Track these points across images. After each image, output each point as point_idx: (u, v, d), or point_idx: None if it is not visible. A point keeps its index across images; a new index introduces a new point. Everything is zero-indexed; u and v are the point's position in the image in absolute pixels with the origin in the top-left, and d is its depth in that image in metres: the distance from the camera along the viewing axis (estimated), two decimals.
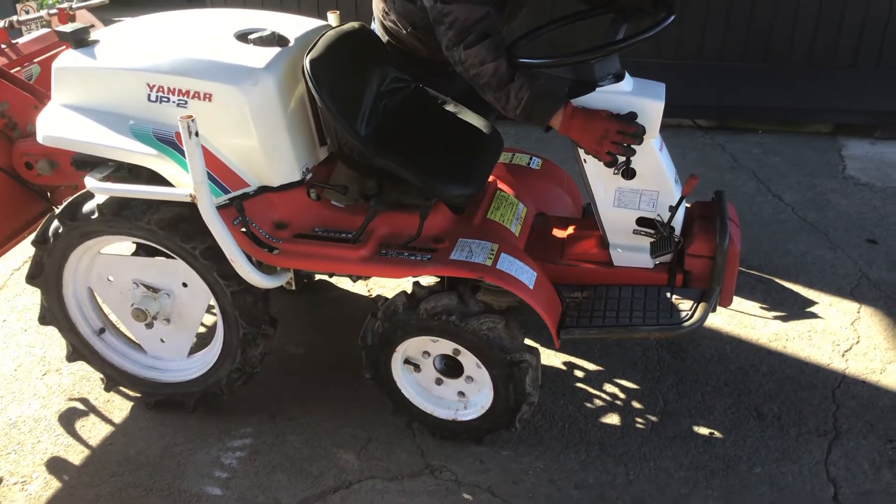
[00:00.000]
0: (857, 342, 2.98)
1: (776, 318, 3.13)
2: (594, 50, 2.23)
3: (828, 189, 4.09)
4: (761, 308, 3.19)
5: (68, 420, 2.77)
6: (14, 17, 3.25)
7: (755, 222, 3.78)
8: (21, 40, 3.25)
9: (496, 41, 2.23)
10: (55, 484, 2.52)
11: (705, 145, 4.66)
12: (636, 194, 2.42)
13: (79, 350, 2.75)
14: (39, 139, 2.40)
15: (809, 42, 4.62)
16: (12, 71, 3.00)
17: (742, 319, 3.12)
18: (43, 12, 3.43)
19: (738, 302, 3.20)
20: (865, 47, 4.59)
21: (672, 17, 2.22)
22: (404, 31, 2.62)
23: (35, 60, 3.18)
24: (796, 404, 2.70)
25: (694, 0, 4.62)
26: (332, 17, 2.78)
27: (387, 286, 3.36)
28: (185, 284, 2.52)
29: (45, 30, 3.38)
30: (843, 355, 2.92)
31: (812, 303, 3.21)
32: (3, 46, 3.13)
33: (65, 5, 3.38)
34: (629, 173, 2.37)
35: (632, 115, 2.25)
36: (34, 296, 3.15)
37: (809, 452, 2.52)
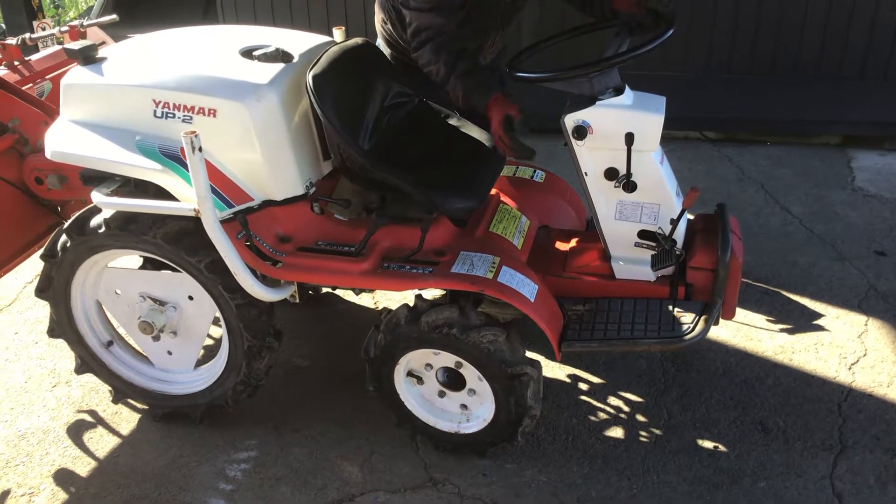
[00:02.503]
0: (865, 355, 2.96)
1: (782, 330, 3.12)
2: (590, 65, 2.24)
3: (836, 201, 4.08)
4: (767, 321, 3.17)
5: (76, 432, 2.80)
6: (27, 35, 3.32)
7: (762, 234, 3.77)
8: (34, 57, 3.31)
9: (435, 45, 2.40)
10: (62, 496, 2.54)
11: (713, 157, 4.65)
12: (637, 207, 2.43)
13: (87, 362, 2.79)
14: (48, 154, 2.45)
15: (817, 54, 4.61)
16: (24, 87, 3.06)
17: (748, 332, 3.11)
18: (55, 30, 3.50)
19: (744, 314, 3.19)
20: (873, 59, 4.58)
21: (670, 32, 2.23)
22: (401, 41, 2.67)
23: (47, 77, 3.25)
24: (802, 418, 2.69)
25: (701, 12, 4.63)
26: (338, 34, 2.81)
27: (393, 299, 3.38)
28: (190, 297, 2.55)
29: (58, 47, 3.45)
30: (849, 368, 2.90)
31: (819, 315, 3.19)
32: (16, 63, 3.20)
33: (76, 23, 3.44)
34: (630, 186, 2.38)
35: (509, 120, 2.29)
36: (44, 309, 3.19)
37: (815, 466, 2.50)
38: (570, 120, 2.33)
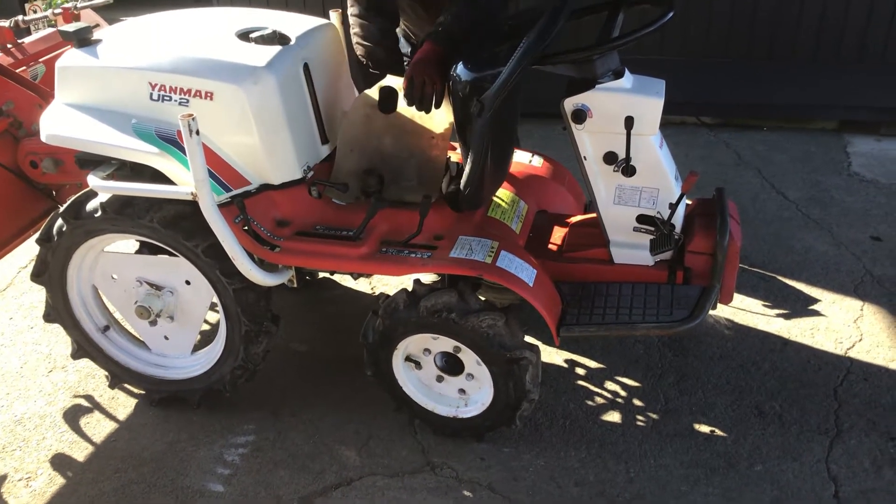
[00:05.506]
0: (860, 340, 2.97)
1: (779, 315, 3.12)
2: (595, 46, 2.22)
3: (832, 186, 4.08)
4: (764, 305, 3.18)
5: (73, 417, 2.79)
6: (19, 17, 3.28)
7: (759, 219, 3.77)
8: (27, 40, 3.27)
9: None
10: (59, 480, 2.54)
11: (709, 142, 4.65)
12: (636, 191, 2.42)
13: (84, 347, 2.77)
14: (43, 138, 2.43)
15: (814, 38, 4.59)
16: (18, 70, 3.03)
17: (744, 317, 3.12)
18: (48, 12, 3.46)
19: (740, 299, 3.19)
20: (871, 44, 4.56)
21: (671, 14, 2.22)
22: None
23: (40, 60, 3.21)
24: (798, 402, 2.70)
25: None
26: (335, 16, 2.79)
27: (390, 283, 3.38)
28: (187, 282, 2.54)
29: (51, 29, 3.41)
30: (845, 353, 2.91)
31: (815, 300, 3.20)
32: (9, 46, 3.16)
33: (69, 5, 3.40)
34: (629, 170, 2.37)
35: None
36: (40, 294, 3.18)
37: (811, 450, 2.51)
38: (570, 104, 2.32)
